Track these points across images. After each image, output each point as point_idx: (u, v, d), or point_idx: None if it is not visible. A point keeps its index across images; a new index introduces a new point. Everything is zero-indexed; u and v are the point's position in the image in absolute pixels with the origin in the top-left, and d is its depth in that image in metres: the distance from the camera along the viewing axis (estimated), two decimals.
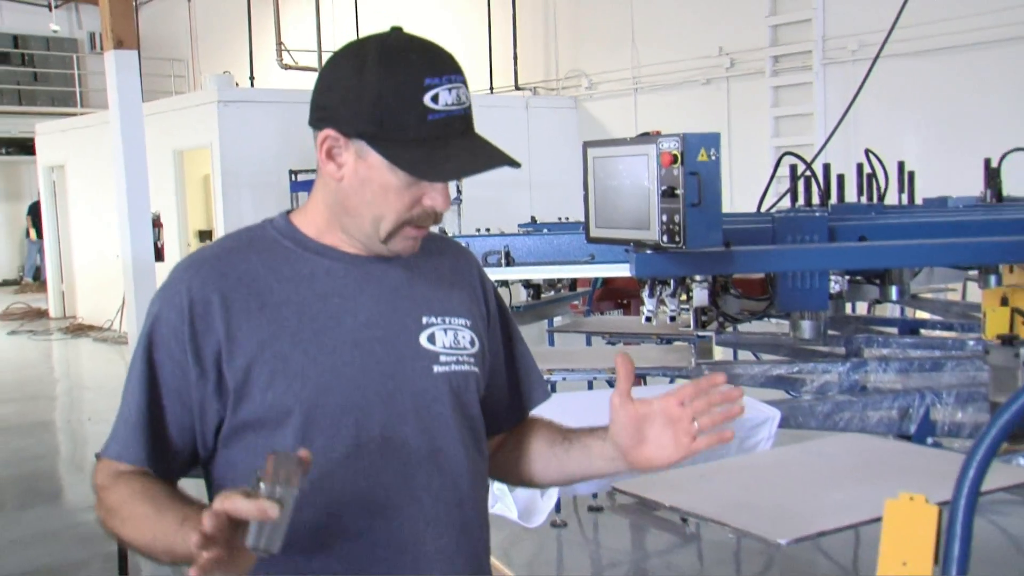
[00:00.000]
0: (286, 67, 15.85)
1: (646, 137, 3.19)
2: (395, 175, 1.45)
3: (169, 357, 1.48)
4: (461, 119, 1.47)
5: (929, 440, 3.29)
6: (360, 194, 1.48)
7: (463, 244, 1.78)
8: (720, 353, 5.70)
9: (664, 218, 3.08)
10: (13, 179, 21.34)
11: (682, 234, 3.05)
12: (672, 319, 3.86)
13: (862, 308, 6.02)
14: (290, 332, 1.47)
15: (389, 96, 1.43)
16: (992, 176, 5.37)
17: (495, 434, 1.73)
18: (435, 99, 1.43)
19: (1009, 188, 5.52)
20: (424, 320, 1.55)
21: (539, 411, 1.78)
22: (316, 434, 1.45)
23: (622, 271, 3.51)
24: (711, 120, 12.59)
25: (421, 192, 1.47)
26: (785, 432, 3.43)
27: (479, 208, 11.26)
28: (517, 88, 14.99)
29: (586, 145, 3.45)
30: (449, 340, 1.56)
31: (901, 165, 5.68)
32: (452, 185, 7.85)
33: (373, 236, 1.50)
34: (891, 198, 5.67)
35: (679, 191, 3.04)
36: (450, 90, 1.45)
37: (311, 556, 1.47)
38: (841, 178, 5.28)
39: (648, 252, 3.23)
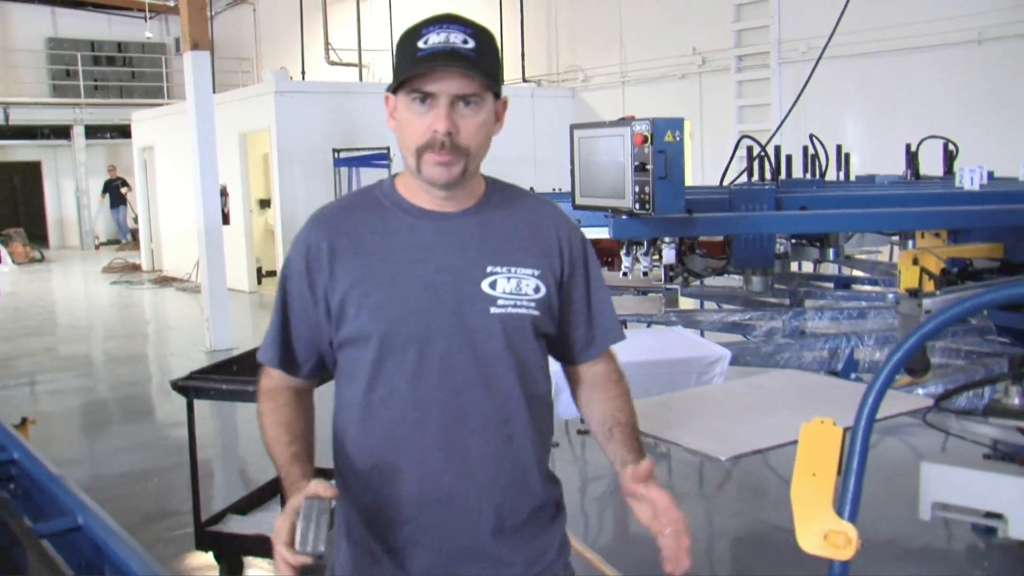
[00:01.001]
0: (332, 63, 15.73)
1: (623, 121, 3.15)
2: (408, 110, 1.48)
3: (296, 289, 1.59)
4: (446, 53, 1.44)
5: (853, 375, 3.27)
6: (399, 136, 1.52)
7: (558, 206, 1.73)
8: (688, 303, 5.68)
9: (636, 189, 3.05)
10: (115, 158, 21.43)
11: (651, 202, 3.03)
12: (645, 274, 3.84)
13: (808, 267, 5.98)
14: (374, 275, 1.54)
15: (399, 53, 1.50)
16: (912, 158, 5.32)
17: (576, 363, 1.72)
18: (425, 42, 1.45)
19: (925, 168, 5.47)
20: (489, 269, 1.55)
21: None
22: (387, 355, 1.53)
23: (603, 233, 3.48)
24: (686, 109, 12.45)
25: (429, 121, 1.47)
26: (735, 368, 3.42)
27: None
28: (524, 80, 14.84)
29: (573, 127, 3.41)
30: (511, 287, 1.55)
31: (839, 148, 5.61)
32: None
33: (416, 171, 1.52)
34: (831, 175, 5.62)
35: (649, 166, 3.01)
36: (439, 32, 1.45)
37: (379, 452, 1.55)
38: (789, 158, 5.21)
39: (623, 217, 3.20)
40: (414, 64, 1.44)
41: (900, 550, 3.91)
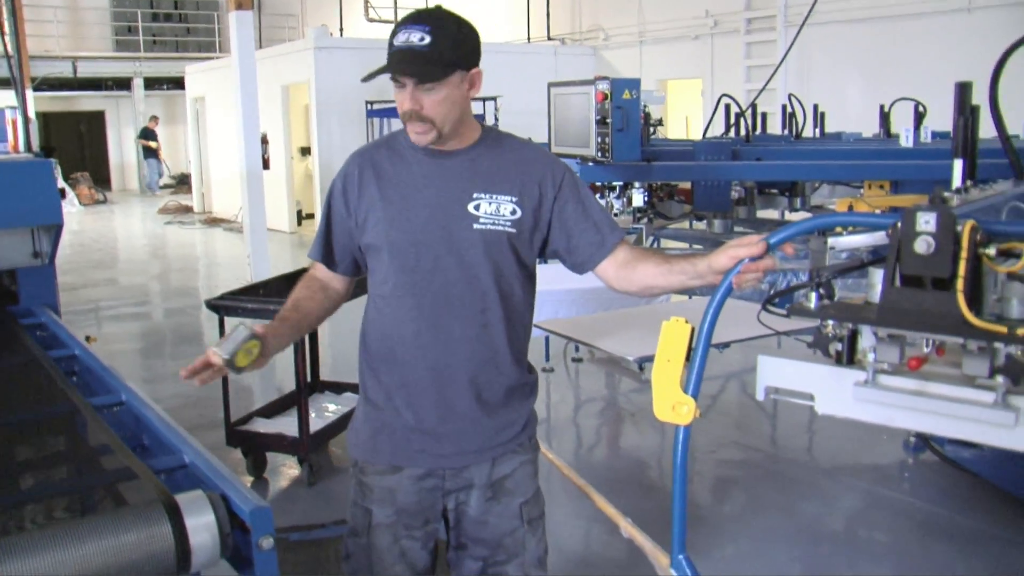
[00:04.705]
0: (371, 20, 15.83)
1: (587, 80, 3.41)
2: (394, 90, 1.80)
3: (336, 203, 1.96)
4: (403, 51, 1.75)
5: (786, 306, 3.51)
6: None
7: (544, 148, 2.05)
8: (666, 244, 5.87)
9: (598, 139, 3.33)
10: (170, 108, 21.83)
11: (610, 151, 3.30)
12: (616, 215, 4.10)
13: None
14: (387, 196, 1.88)
15: (389, 43, 1.80)
16: (884, 118, 5.47)
17: (598, 263, 1.93)
18: (397, 39, 1.77)
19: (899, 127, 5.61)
20: (474, 195, 1.86)
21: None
22: (394, 257, 1.87)
23: None
24: (698, 68, 12.49)
25: (401, 99, 1.79)
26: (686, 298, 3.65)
27: (516, 130, 11.24)
28: (549, 39, 14.88)
29: (550, 85, 3.67)
30: (492, 209, 1.85)
31: (815, 107, 5.77)
32: (490, 116, 8.01)
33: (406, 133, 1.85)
34: (808, 133, 5.77)
35: (609, 120, 3.28)
36: (404, 32, 1.76)
37: (387, 330, 1.91)
38: (764, 116, 5.40)
39: (589, 164, 3.48)
40: (388, 59, 1.76)
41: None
